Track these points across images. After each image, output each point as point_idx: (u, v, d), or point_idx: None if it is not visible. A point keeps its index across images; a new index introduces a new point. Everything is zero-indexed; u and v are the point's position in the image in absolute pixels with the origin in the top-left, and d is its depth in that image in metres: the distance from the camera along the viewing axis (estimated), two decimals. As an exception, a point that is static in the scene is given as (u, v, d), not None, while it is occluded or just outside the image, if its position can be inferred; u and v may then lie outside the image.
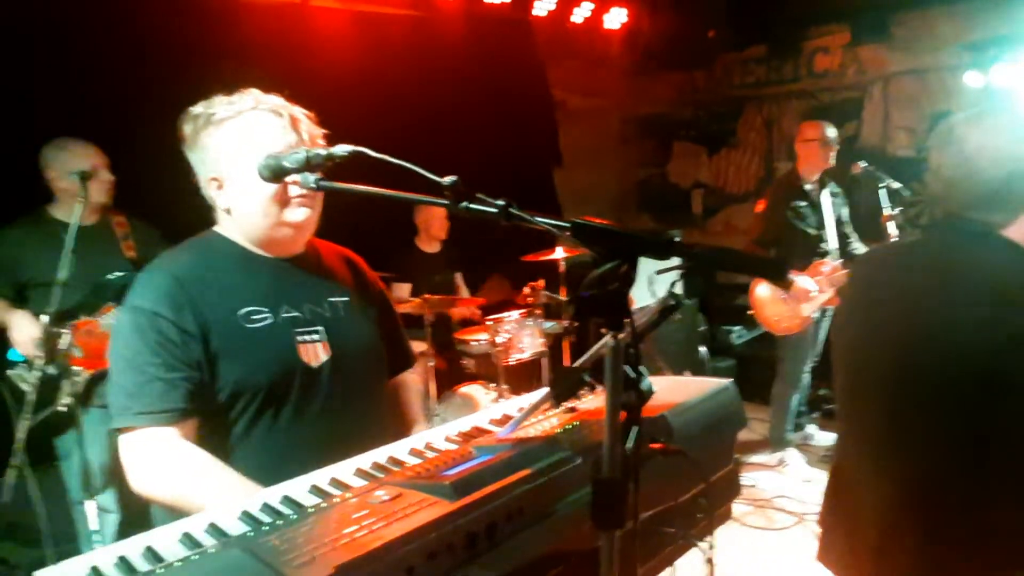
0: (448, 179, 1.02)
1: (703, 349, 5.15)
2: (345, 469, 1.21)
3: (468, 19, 4.02)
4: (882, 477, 1.55)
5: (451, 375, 4.17)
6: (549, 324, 4.34)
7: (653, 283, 4.92)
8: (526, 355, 3.90)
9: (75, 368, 2.63)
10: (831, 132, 4.03)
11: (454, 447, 1.28)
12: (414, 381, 1.85)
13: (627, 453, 1.12)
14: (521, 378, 4.10)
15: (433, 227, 4.27)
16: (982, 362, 1.31)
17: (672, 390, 1.38)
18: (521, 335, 3.89)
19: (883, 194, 3.72)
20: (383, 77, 4.01)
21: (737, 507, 3.69)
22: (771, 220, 4.08)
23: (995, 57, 4.62)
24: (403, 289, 4.09)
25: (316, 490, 1.14)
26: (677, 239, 0.81)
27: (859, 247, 4.12)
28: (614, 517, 0.92)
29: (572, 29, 4.55)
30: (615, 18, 4.62)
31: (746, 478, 3.99)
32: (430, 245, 4.37)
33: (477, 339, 3.98)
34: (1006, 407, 1.29)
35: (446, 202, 1.03)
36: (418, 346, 3.89)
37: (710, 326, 5.61)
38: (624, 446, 1.00)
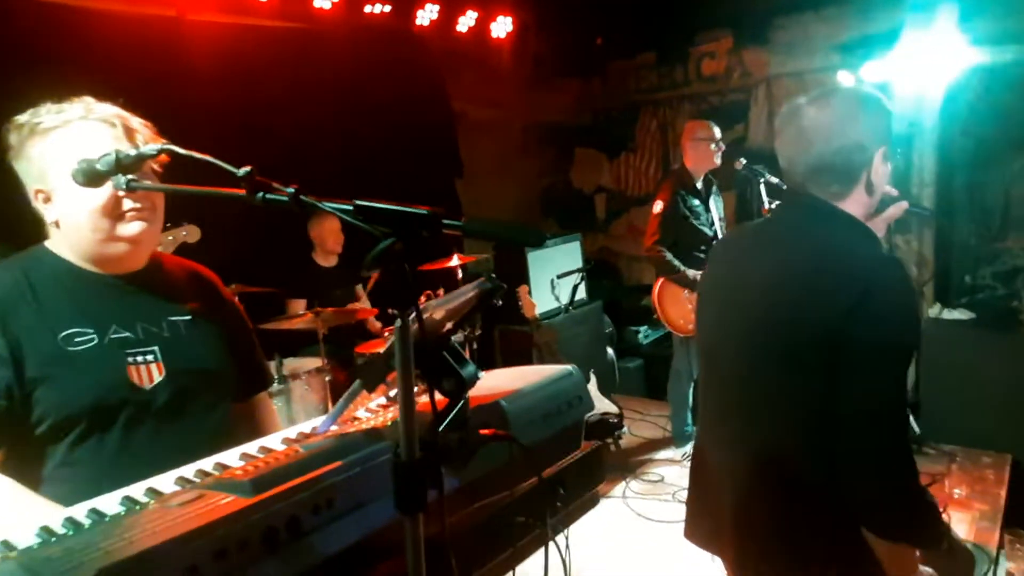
0: (243, 170, 1.00)
1: (610, 350, 5.24)
2: (166, 479, 1.17)
3: (352, 30, 3.98)
4: (736, 451, 1.60)
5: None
6: (452, 332, 4.33)
7: (556, 286, 5.01)
8: (427, 365, 3.86)
9: None
10: (718, 132, 4.19)
11: (287, 447, 1.25)
12: (270, 403, 1.79)
13: (449, 440, 1.13)
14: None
15: (328, 241, 4.20)
16: (822, 330, 1.37)
17: (513, 378, 1.39)
18: (421, 345, 3.84)
19: (763, 188, 3.88)
20: (268, 92, 3.94)
21: (644, 502, 3.75)
22: (669, 219, 4.18)
23: (864, 56, 4.92)
24: (298, 305, 4.01)
25: (127, 500, 1.09)
26: (439, 212, 0.81)
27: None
28: (415, 501, 0.91)
29: (463, 40, 4.58)
30: (501, 27, 4.67)
31: (653, 474, 4.07)
32: (326, 259, 4.29)
33: (376, 352, 3.93)
34: (845, 373, 1.35)
35: (242, 193, 1.00)
36: (313, 361, 3.82)
37: (616, 327, 5.71)
38: (434, 430, 1.01)
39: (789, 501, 1.46)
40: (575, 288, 4.91)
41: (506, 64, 5.04)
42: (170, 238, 3.06)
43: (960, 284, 4.96)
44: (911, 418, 4.27)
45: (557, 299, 4.93)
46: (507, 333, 5.00)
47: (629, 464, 4.21)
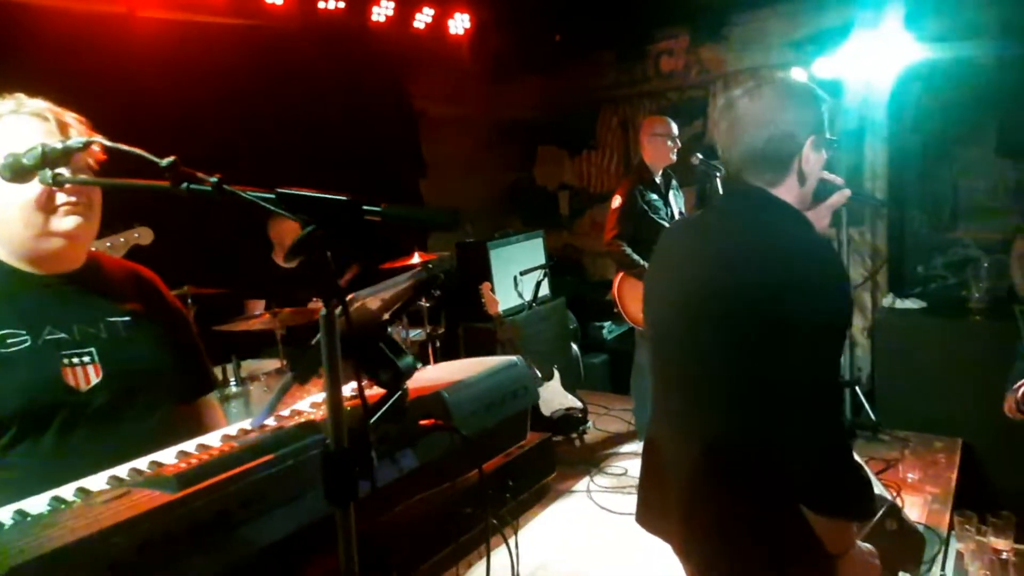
0: (166, 160, 0.98)
1: (574, 346, 5.26)
2: (98, 478, 1.14)
3: (306, 27, 3.95)
4: (680, 435, 1.63)
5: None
6: (414, 332, 4.31)
7: (519, 283, 5.02)
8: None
9: None
10: (675, 128, 4.23)
11: (223, 443, 1.23)
12: (216, 406, 1.77)
13: (384, 431, 1.12)
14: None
15: (287, 241, 4.15)
16: (753, 314, 1.40)
17: (456, 369, 1.39)
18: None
19: (719, 183, 3.93)
20: (221, 91, 3.88)
21: (607, 496, 3.77)
22: (629, 215, 4.20)
23: (817, 52, 5.01)
24: (258, 306, 3.96)
25: (54, 500, 1.06)
26: (359, 199, 0.81)
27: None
28: (345, 492, 0.91)
29: (420, 37, 4.56)
30: (459, 24, 4.66)
31: (617, 467, 4.09)
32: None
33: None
34: (778, 354, 1.38)
35: (167, 184, 0.99)
36: (272, 363, 3.77)
37: (581, 323, 5.74)
38: (365, 421, 1.00)
39: (730, 482, 1.48)
40: (538, 284, 4.92)
41: (465, 61, 5.03)
42: (121, 240, 3.00)
43: (913, 274, 5.09)
44: (867, 406, 4.38)
45: (520, 296, 4.94)
46: (471, 330, 5.00)
47: (594, 458, 4.23)
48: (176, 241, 3.22)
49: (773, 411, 1.39)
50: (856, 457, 1.45)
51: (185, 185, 0.99)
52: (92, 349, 1.41)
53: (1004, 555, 2.65)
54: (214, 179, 0.95)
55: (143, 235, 3.03)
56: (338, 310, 0.86)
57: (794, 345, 1.36)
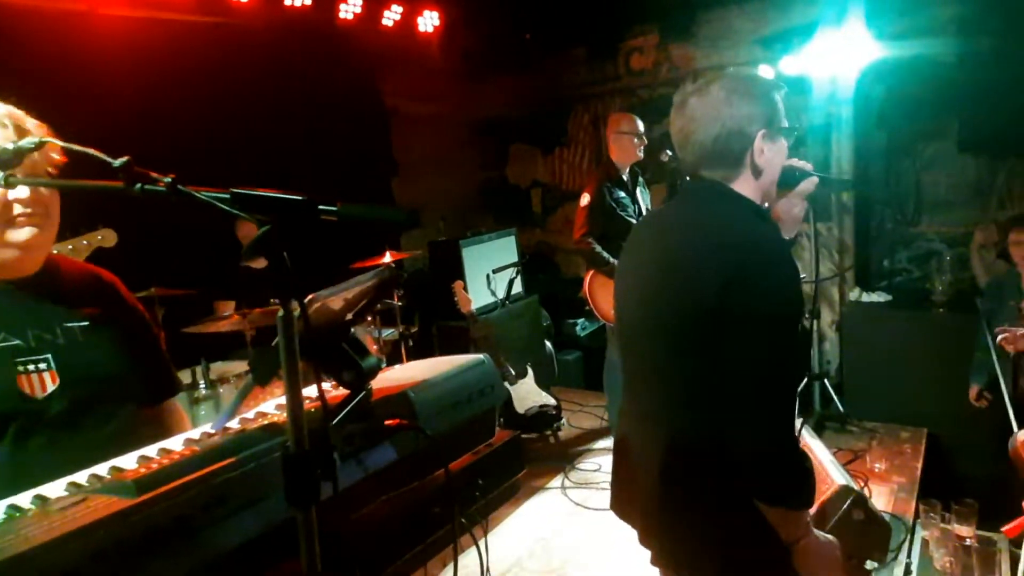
0: (119, 161, 0.96)
1: (548, 343, 5.27)
2: (56, 485, 1.12)
3: (273, 25, 3.89)
4: (641, 426, 1.65)
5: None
6: (387, 331, 4.29)
7: (492, 281, 5.02)
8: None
9: None
10: (641, 125, 4.25)
11: (185, 447, 1.22)
12: (180, 410, 1.74)
13: (348, 431, 1.12)
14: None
15: (256, 241, 4.09)
16: (702, 307, 1.42)
17: (424, 369, 1.39)
18: (355, 344, 3.79)
19: (689, 180, 3.96)
20: (186, 90, 3.81)
21: (582, 492, 3.79)
22: (598, 212, 4.21)
23: (784, 49, 5.08)
24: (227, 307, 3.90)
25: (11, 508, 1.04)
26: (314, 199, 0.80)
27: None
28: (306, 493, 0.90)
29: (390, 34, 4.52)
30: (428, 21, 4.64)
31: (591, 463, 4.12)
32: (256, 261, 4.18)
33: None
34: (727, 346, 1.40)
35: (120, 185, 0.97)
36: (242, 365, 3.73)
37: (554, 320, 5.76)
38: (327, 422, 1.00)
39: (688, 476, 1.50)
40: (511, 282, 4.92)
41: (436, 60, 5.01)
42: (84, 242, 2.94)
43: (879, 268, 5.18)
44: (836, 398, 4.45)
45: (494, 294, 4.94)
46: (445, 329, 4.99)
47: (568, 455, 4.25)
48: (142, 242, 3.16)
49: (722, 405, 1.41)
50: (801, 447, 1.47)
51: (139, 186, 0.98)
52: (48, 356, 1.38)
53: (968, 541, 2.72)
54: (168, 179, 0.93)
55: (106, 237, 2.98)
56: (296, 311, 0.86)
57: (739, 338, 1.38)
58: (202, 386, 3.40)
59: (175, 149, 3.05)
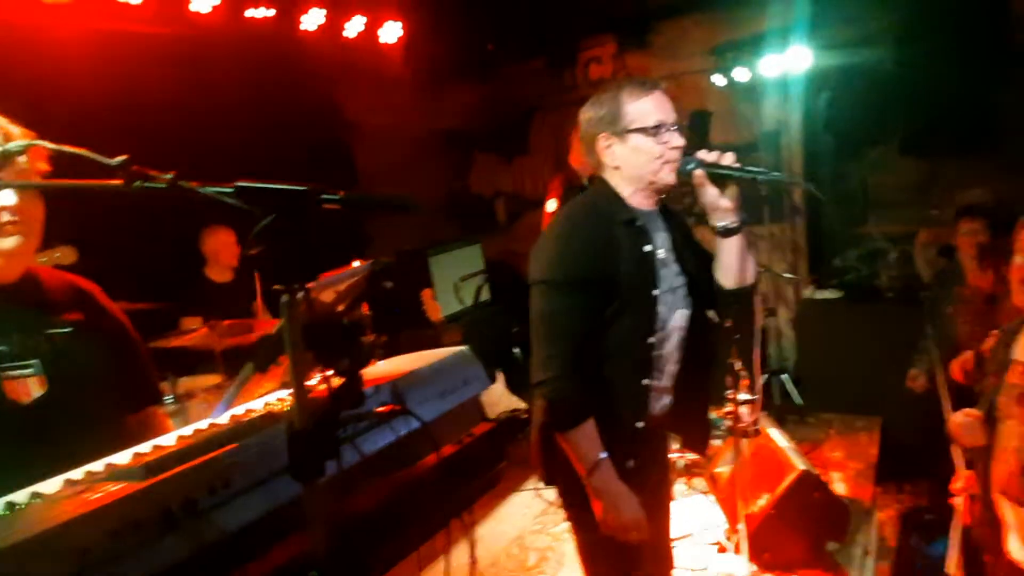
0: (117, 159, 1.00)
1: (516, 349, 5.33)
2: (52, 483, 1.14)
3: (233, 36, 3.89)
4: None
5: (255, 403, 3.99)
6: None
7: (459, 289, 5.07)
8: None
9: None
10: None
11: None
12: (165, 417, 1.76)
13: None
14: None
15: (222, 255, 4.06)
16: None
17: (409, 362, 1.44)
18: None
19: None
20: (146, 101, 3.78)
21: (553, 491, 3.85)
22: None
23: (735, 59, 5.26)
24: (193, 323, 3.86)
25: (7, 505, 1.06)
26: (318, 188, 0.86)
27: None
28: (309, 468, 0.95)
29: (352, 46, 4.55)
30: (390, 32, 4.68)
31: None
32: (221, 274, 4.14)
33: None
34: (530, 306, 1.83)
35: (119, 183, 1.01)
36: (211, 379, 3.70)
37: (522, 326, 5.81)
38: (329, 401, 1.04)
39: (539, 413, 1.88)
40: (479, 290, 4.98)
41: (399, 71, 5.04)
42: (42, 260, 2.89)
43: (830, 266, 5.39)
44: (794, 391, 4.61)
45: (461, 301, 4.99)
46: (413, 337, 5.01)
47: (539, 457, 4.30)
48: (104, 259, 3.12)
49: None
50: (577, 386, 1.75)
51: (138, 183, 1.01)
52: (35, 361, 1.39)
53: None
54: (168, 176, 0.98)
55: (64, 255, 2.92)
56: (300, 295, 0.90)
57: (532, 299, 1.79)
58: (169, 399, 3.37)
59: (135, 161, 3.02)
